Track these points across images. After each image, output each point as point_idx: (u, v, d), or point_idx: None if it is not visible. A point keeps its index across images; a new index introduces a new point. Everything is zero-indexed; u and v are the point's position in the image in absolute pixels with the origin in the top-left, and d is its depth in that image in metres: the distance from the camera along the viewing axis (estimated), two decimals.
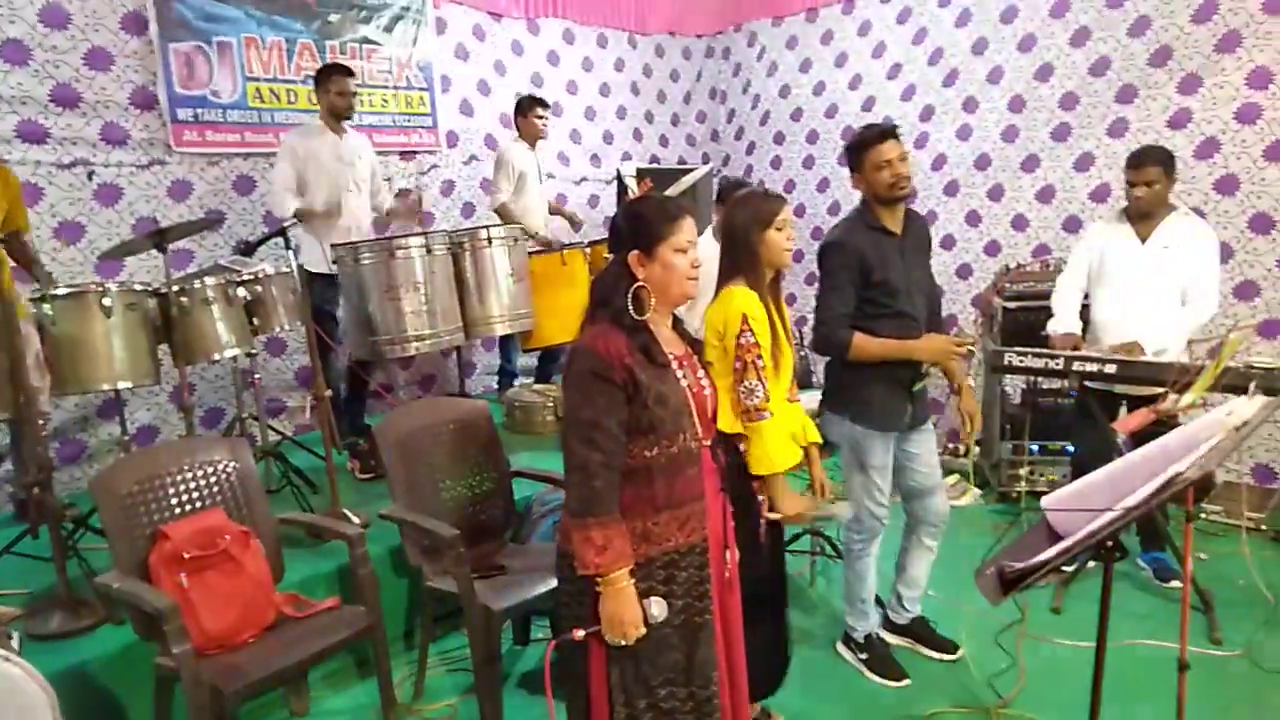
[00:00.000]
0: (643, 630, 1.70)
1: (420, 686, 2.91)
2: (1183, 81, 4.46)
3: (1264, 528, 3.92)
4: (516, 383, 5.38)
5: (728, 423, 2.41)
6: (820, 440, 2.66)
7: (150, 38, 4.12)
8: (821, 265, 2.77)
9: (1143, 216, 3.38)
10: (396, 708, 2.67)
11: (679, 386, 1.79)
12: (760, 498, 2.43)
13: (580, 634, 1.70)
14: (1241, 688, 2.80)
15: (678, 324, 1.93)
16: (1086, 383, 3.22)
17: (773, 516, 2.35)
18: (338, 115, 4.17)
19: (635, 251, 1.77)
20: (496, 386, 5.48)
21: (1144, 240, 3.38)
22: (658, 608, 1.71)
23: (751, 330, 2.30)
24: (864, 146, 2.68)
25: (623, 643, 1.69)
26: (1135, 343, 3.32)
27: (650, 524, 1.77)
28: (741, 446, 2.42)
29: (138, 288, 3.11)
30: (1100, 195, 4.84)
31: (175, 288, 3.16)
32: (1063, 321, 3.50)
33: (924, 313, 2.82)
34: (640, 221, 1.80)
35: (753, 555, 2.35)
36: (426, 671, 2.95)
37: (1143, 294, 3.35)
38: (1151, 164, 3.28)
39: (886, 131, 2.68)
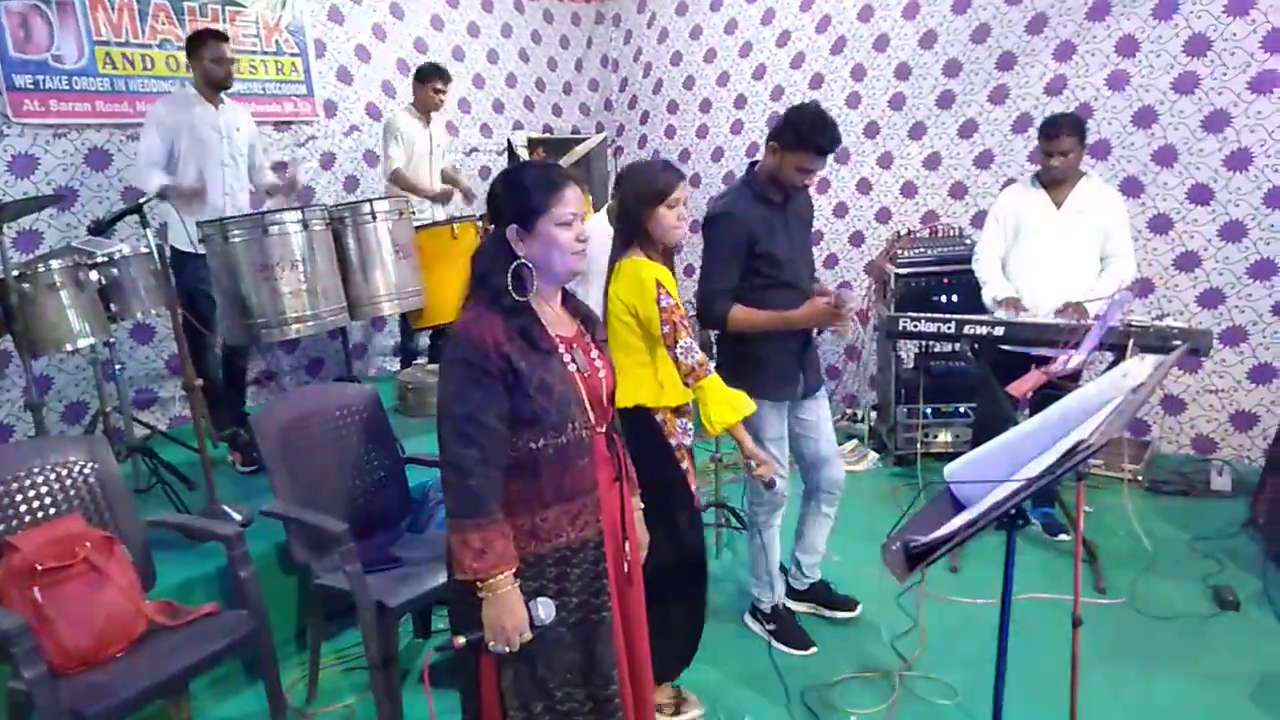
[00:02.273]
0: (528, 636, 1.59)
1: (314, 688, 2.76)
2: (1058, 48, 4.59)
3: (1140, 479, 4.13)
4: (416, 362, 5.18)
5: (654, 396, 2.35)
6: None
7: None
8: (706, 235, 2.70)
9: (1056, 183, 3.46)
10: (288, 712, 2.52)
11: (566, 372, 1.66)
12: (684, 465, 2.39)
13: (460, 641, 1.58)
14: (1128, 634, 2.92)
15: (569, 300, 1.80)
16: (1001, 345, 3.27)
17: (762, 474, 2.31)
18: (215, 85, 3.85)
19: (514, 225, 1.63)
20: (398, 368, 5.25)
21: (1059, 205, 3.47)
22: (544, 609, 1.60)
23: (669, 292, 2.25)
24: (809, 146, 2.54)
25: (507, 650, 1.59)
26: (1015, 298, 3.41)
27: (538, 520, 1.65)
28: (661, 417, 2.37)
29: None
30: (984, 162, 4.97)
31: (15, 273, 2.85)
32: (998, 287, 3.55)
33: (809, 282, 2.81)
34: (519, 192, 1.64)
35: (670, 536, 2.31)
36: (320, 672, 2.80)
37: (1060, 258, 3.44)
38: (1066, 133, 3.35)
39: (829, 147, 2.58)
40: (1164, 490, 4.06)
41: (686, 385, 2.28)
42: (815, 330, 2.81)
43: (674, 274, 2.45)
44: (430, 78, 4.77)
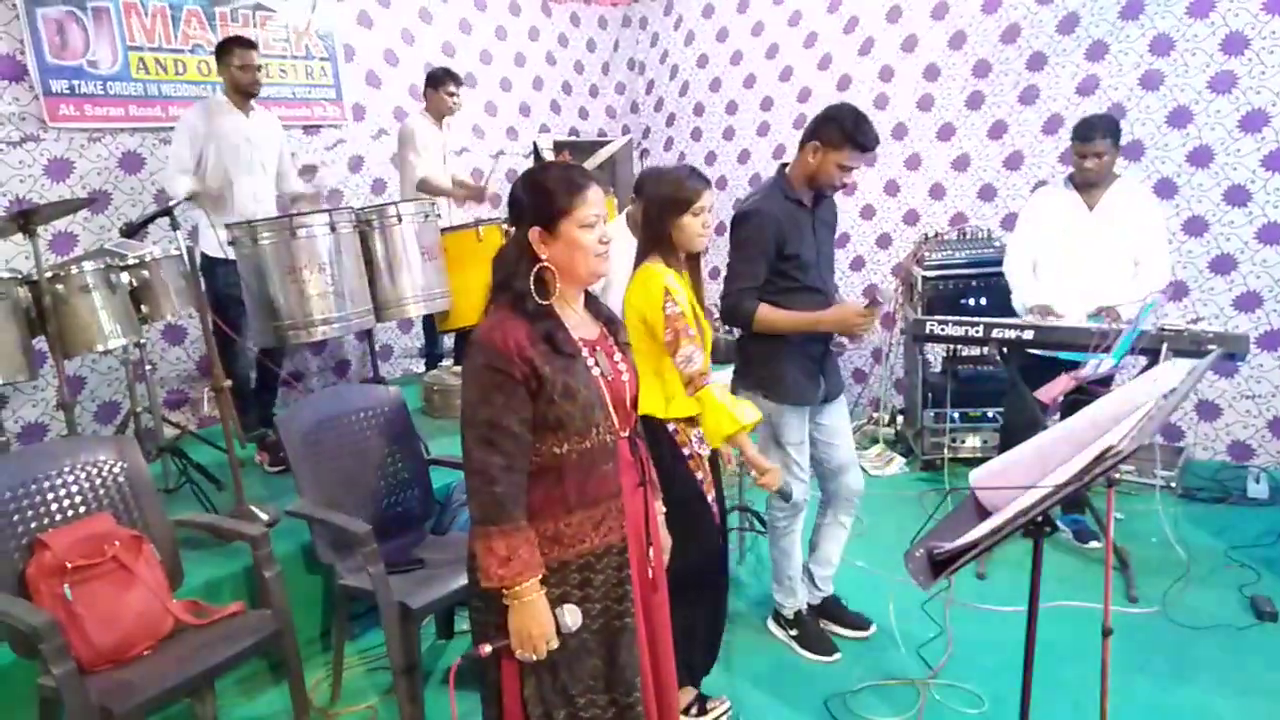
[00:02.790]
0: (555, 643, 1.58)
1: (337, 689, 2.78)
2: (1090, 48, 4.52)
3: (1174, 485, 4.04)
4: (442, 364, 5.21)
5: (661, 407, 2.33)
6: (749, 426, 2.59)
7: (14, 2, 3.78)
8: (735, 234, 2.68)
9: (1089, 185, 3.41)
10: (311, 712, 2.54)
11: (590, 376, 1.63)
12: (699, 475, 2.37)
13: (487, 649, 1.57)
14: (1159, 644, 2.86)
15: (591, 302, 1.77)
16: (1030, 350, 3.22)
17: (767, 482, 2.29)
18: (242, 91, 3.89)
19: (537, 228, 1.60)
20: (424, 369, 5.28)
21: (1092, 208, 3.41)
22: (571, 616, 1.59)
23: (674, 300, 2.23)
24: (853, 143, 2.52)
25: (534, 658, 1.58)
26: (1047, 305, 3.36)
27: (562, 525, 1.63)
28: (674, 427, 2.35)
29: (4, 275, 2.84)
30: (1014, 163, 4.90)
31: (49, 274, 2.90)
32: (1027, 291, 3.50)
33: (832, 288, 2.80)
34: (541, 193, 1.62)
35: (686, 544, 2.29)
36: (344, 672, 2.81)
37: (1092, 261, 3.37)
38: (1100, 136, 3.29)
39: (872, 144, 2.57)
40: (1199, 497, 3.98)
41: (687, 394, 2.25)
42: (836, 336, 2.78)
43: (700, 278, 2.44)
44: (443, 81, 4.76)
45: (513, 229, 1.68)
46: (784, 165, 2.75)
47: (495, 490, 1.53)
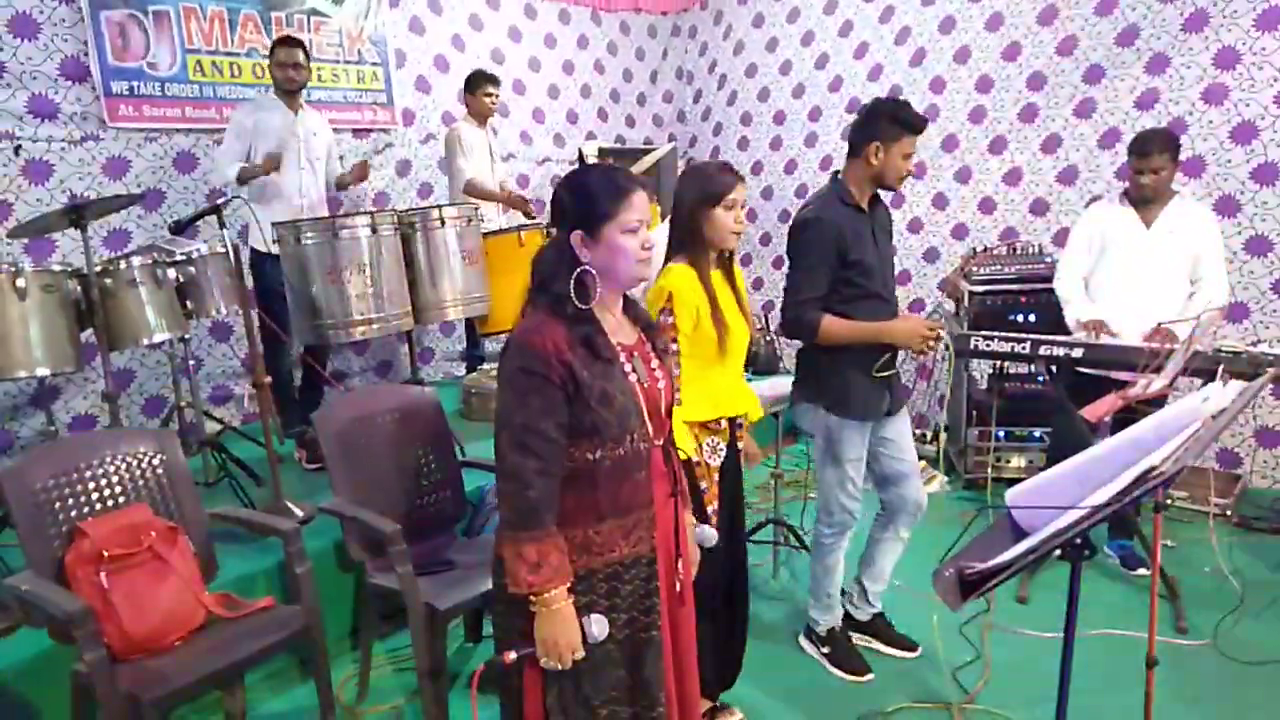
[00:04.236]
0: (581, 653, 1.55)
1: (364, 687, 2.79)
2: (1150, 61, 4.40)
3: (1229, 514, 3.89)
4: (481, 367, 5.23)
5: (701, 411, 2.29)
6: (759, 416, 2.54)
7: (80, 5, 3.90)
8: (794, 243, 2.61)
9: (1145, 201, 3.31)
10: (336, 710, 2.54)
11: (627, 383, 1.60)
12: (703, 484, 2.32)
13: (511, 656, 1.54)
14: (1209, 679, 2.74)
15: (630, 306, 1.74)
16: (1079, 368, 3.12)
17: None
18: (281, 88, 3.98)
19: (579, 231, 1.58)
20: (465, 372, 5.31)
21: (1149, 225, 3.31)
22: (598, 626, 1.55)
23: (672, 310, 2.18)
24: (909, 128, 2.50)
25: (559, 667, 1.54)
26: (1100, 320, 3.26)
27: (592, 533, 1.60)
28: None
29: (55, 268, 2.91)
30: (1067, 178, 4.78)
31: (97, 269, 2.97)
32: (1080, 308, 3.41)
33: (895, 296, 2.73)
34: (584, 196, 1.59)
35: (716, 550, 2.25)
36: (372, 671, 2.82)
37: (1148, 280, 3.28)
38: (1158, 151, 3.20)
39: (924, 125, 2.55)
40: (1255, 527, 3.82)
41: None
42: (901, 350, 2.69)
43: (736, 282, 2.38)
44: (479, 83, 4.79)
45: (553, 231, 1.66)
46: (836, 173, 2.70)
47: (529, 495, 1.51)
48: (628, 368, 1.63)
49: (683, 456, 2.09)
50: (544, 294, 1.60)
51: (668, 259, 2.32)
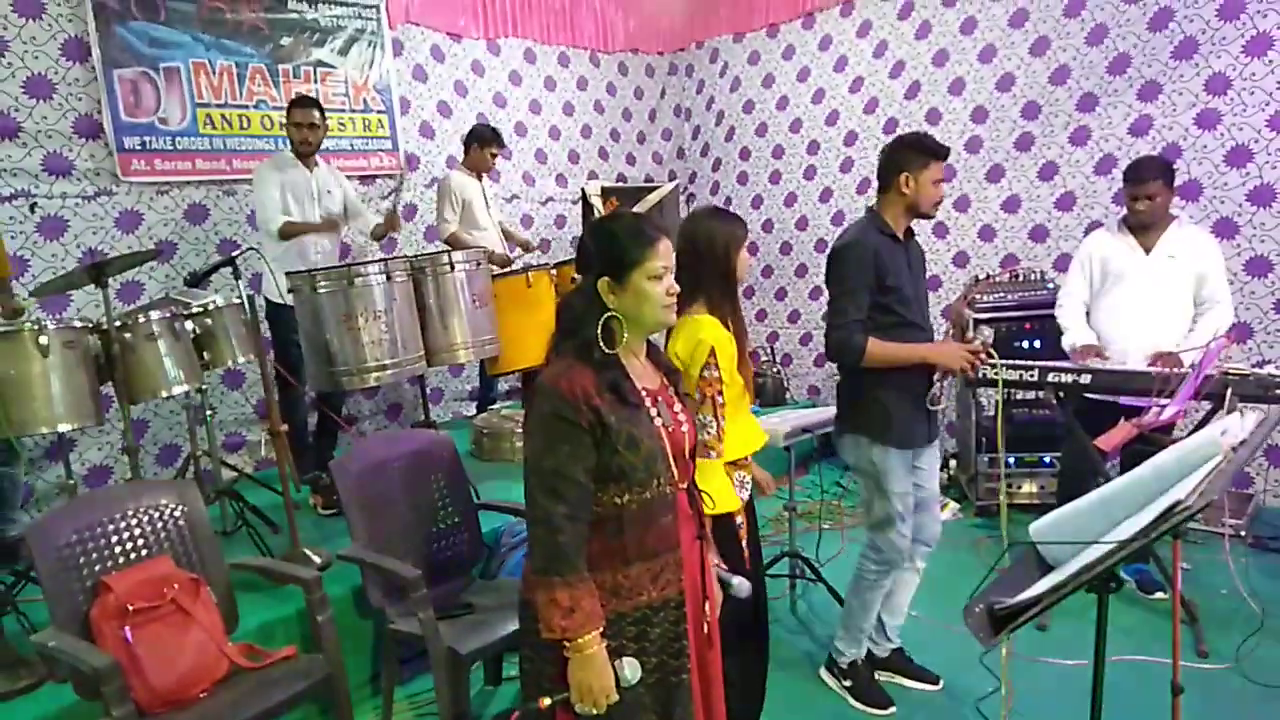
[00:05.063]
0: (615, 697, 1.56)
1: None
2: (1142, 88, 4.47)
3: (1244, 534, 3.89)
4: (492, 407, 5.25)
5: (735, 451, 2.30)
6: (762, 444, 2.54)
7: (93, 64, 4.00)
8: (834, 269, 2.65)
9: (1144, 227, 3.35)
10: None
11: (653, 427, 1.63)
12: (739, 519, 2.34)
13: (546, 702, 1.55)
14: (1232, 702, 2.74)
15: (653, 352, 1.78)
16: (1087, 394, 3.14)
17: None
18: (298, 150, 4.04)
19: (605, 278, 1.62)
20: (475, 412, 5.32)
21: (1148, 251, 3.35)
22: (630, 670, 1.56)
23: (717, 365, 2.19)
24: (933, 154, 2.60)
25: (594, 711, 1.55)
26: (1094, 346, 3.29)
27: (620, 578, 1.62)
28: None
29: (77, 324, 2.95)
30: (1065, 204, 4.84)
31: (117, 323, 3.01)
32: (1079, 334, 3.44)
33: (931, 326, 2.78)
34: (611, 244, 1.63)
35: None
36: (394, 717, 2.81)
37: (1151, 305, 3.31)
38: (1153, 178, 3.25)
39: (946, 151, 2.65)
40: (1271, 547, 3.82)
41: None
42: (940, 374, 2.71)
43: (744, 319, 2.41)
44: (489, 142, 4.82)
45: (575, 276, 1.69)
46: (870, 207, 2.75)
47: (559, 540, 1.52)
48: (653, 412, 1.65)
49: (721, 508, 2.12)
50: (571, 339, 1.63)
51: (685, 304, 2.31)
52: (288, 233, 3.93)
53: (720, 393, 2.20)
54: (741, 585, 1.87)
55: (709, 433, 2.19)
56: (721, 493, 2.18)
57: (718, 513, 2.15)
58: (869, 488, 2.74)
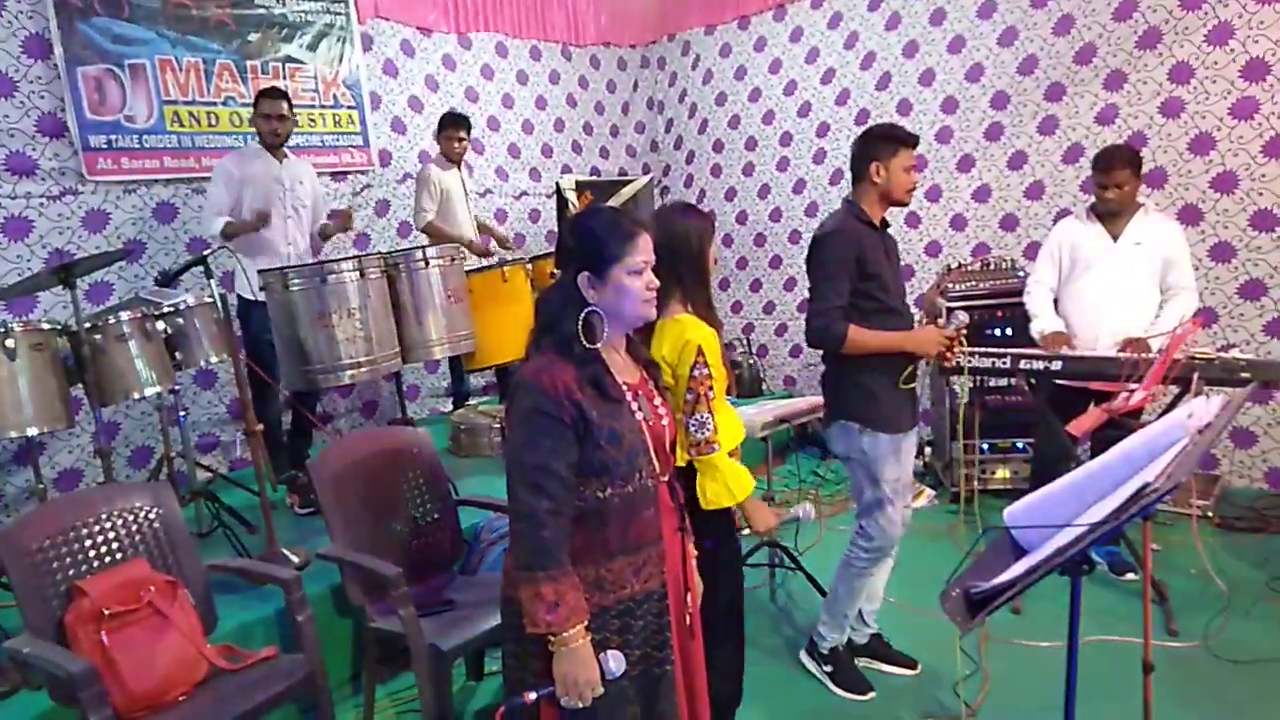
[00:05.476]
0: (600, 690, 1.56)
1: None
2: (1108, 78, 4.53)
3: (1211, 515, 3.97)
4: (469, 403, 5.24)
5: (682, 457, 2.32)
6: (742, 438, 2.56)
7: (55, 62, 3.92)
8: (815, 256, 2.68)
9: (1112, 215, 3.40)
10: None
11: (634, 421, 1.64)
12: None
13: (531, 697, 1.56)
14: (1202, 680, 2.80)
15: (632, 346, 1.78)
16: (1057, 381, 3.19)
17: (749, 534, 2.26)
18: (266, 141, 4.00)
19: (585, 273, 1.62)
20: (451, 408, 5.30)
21: (1116, 238, 3.40)
22: (615, 662, 1.57)
23: (706, 363, 2.19)
24: (902, 142, 2.65)
25: (580, 705, 1.56)
26: (1061, 333, 3.34)
27: (603, 571, 1.63)
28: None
29: (45, 326, 2.91)
30: (1034, 193, 4.90)
31: (87, 325, 2.97)
32: (1046, 321, 3.49)
33: (910, 312, 2.82)
34: (591, 239, 1.63)
35: (719, 577, 2.28)
36: (375, 715, 2.81)
37: (1119, 292, 3.36)
38: (1120, 166, 3.29)
39: (915, 138, 2.68)
40: (1237, 527, 3.90)
41: (688, 454, 2.21)
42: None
43: (717, 309, 2.42)
44: (447, 127, 4.81)
45: (554, 271, 1.70)
46: (847, 198, 2.78)
47: (543, 535, 1.53)
48: (634, 406, 1.66)
49: (741, 495, 2.19)
50: (551, 335, 1.63)
51: (660, 301, 2.31)
52: (229, 233, 3.83)
53: (711, 389, 2.21)
54: (809, 513, 2.08)
55: (707, 430, 2.19)
56: (734, 481, 2.20)
57: (738, 501, 2.21)
58: (859, 475, 2.77)
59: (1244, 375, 2.74)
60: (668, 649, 1.71)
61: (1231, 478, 4.35)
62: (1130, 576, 3.50)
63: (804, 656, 3.03)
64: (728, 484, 2.20)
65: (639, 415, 1.66)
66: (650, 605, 1.69)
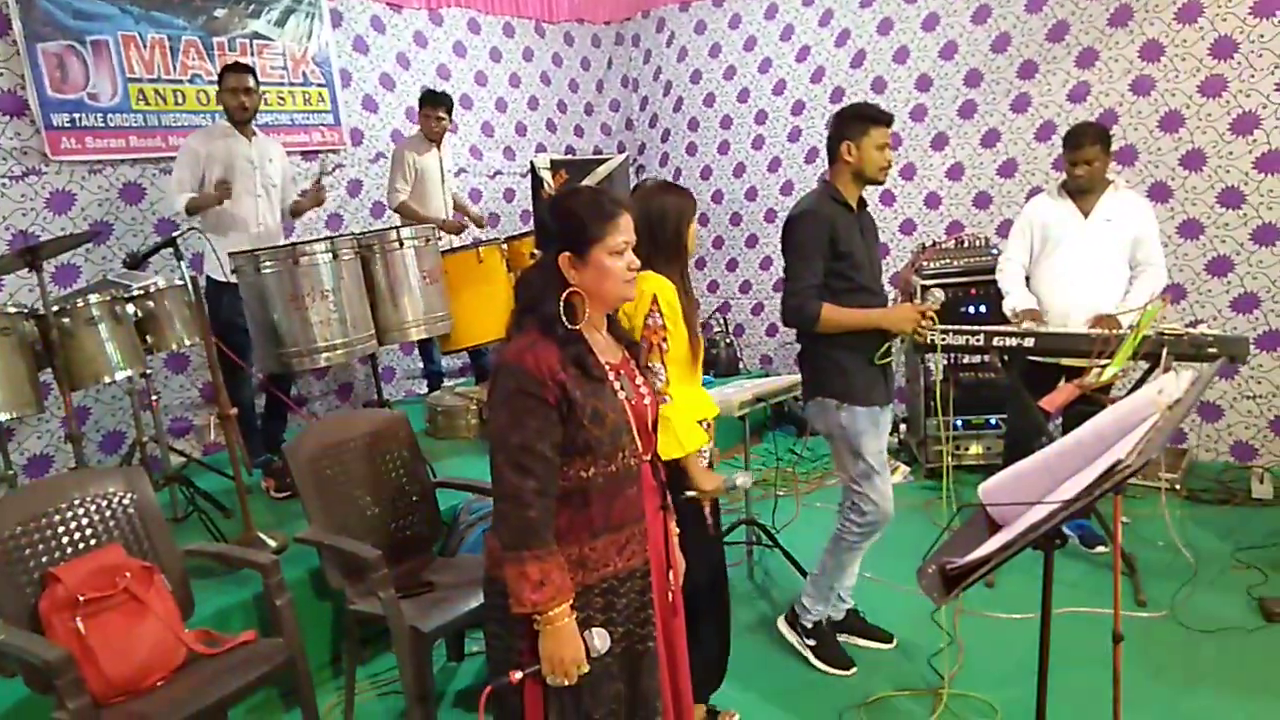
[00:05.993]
0: (586, 668, 1.58)
1: (350, 714, 2.77)
2: (1080, 55, 4.56)
3: (1178, 488, 4.06)
4: (445, 384, 5.22)
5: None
6: (715, 413, 2.58)
7: (14, 37, 3.82)
8: (789, 237, 2.71)
9: (1083, 192, 3.43)
10: None
11: (617, 400, 1.64)
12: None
13: (517, 676, 1.56)
14: (1169, 648, 2.87)
15: (613, 326, 1.79)
16: (1031, 357, 3.23)
17: (691, 495, 2.26)
18: (233, 117, 3.93)
19: (566, 253, 1.61)
20: (426, 390, 5.28)
21: (1087, 215, 3.43)
22: (600, 640, 1.58)
23: (660, 312, 2.20)
24: (873, 120, 2.66)
25: (565, 683, 1.57)
26: (1034, 310, 3.39)
27: (587, 550, 1.63)
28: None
29: (11, 310, 2.86)
30: (1007, 171, 4.94)
31: (55, 308, 2.92)
32: (1018, 298, 3.53)
33: (884, 292, 2.85)
34: (572, 220, 1.62)
35: (692, 554, 2.29)
36: (356, 697, 2.81)
37: (1089, 268, 3.40)
38: (1090, 143, 3.32)
39: (889, 117, 2.70)
40: (1203, 499, 3.99)
41: None
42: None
43: (692, 287, 2.43)
44: (425, 105, 4.77)
45: (534, 252, 1.69)
46: (823, 178, 2.80)
47: (528, 515, 1.53)
48: (616, 385, 1.67)
49: (691, 447, 2.19)
50: (532, 315, 1.63)
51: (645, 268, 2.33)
52: (193, 208, 3.79)
53: (665, 340, 2.20)
54: (747, 480, 2.09)
55: (659, 380, 2.19)
56: (684, 434, 2.20)
57: (687, 453, 2.19)
58: (843, 451, 2.79)
59: (1211, 351, 2.79)
60: (650, 626, 1.72)
61: (1199, 451, 4.44)
62: (1100, 549, 3.57)
63: (783, 626, 3.06)
64: (676, 435, 2.19)
65: (621, 394, 1.66)
66: (633, 583, 1.70)
